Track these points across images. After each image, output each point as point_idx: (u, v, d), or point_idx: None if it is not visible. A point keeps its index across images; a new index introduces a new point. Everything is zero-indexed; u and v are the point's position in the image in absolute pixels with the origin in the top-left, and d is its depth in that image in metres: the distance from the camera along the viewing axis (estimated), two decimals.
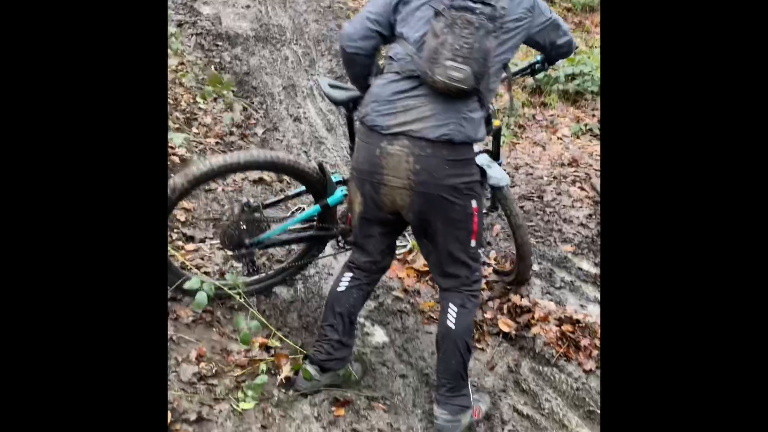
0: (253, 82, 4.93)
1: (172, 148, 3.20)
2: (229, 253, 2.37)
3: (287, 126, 4.39)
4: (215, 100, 4.33)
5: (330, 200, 2.35)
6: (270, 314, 2.47)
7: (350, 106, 2.23)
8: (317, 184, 2.33)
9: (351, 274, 2.12)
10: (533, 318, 2.49)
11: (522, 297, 2.63)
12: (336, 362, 2.09)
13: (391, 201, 1.90)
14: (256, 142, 4.15)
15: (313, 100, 4.83)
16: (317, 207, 2.37)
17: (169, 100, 4.08)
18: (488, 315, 2.57)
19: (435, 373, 2.12)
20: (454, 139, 1.79)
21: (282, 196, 2.52)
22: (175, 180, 2.08)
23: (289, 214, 2.60)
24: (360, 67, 1.97)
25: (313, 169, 2.31)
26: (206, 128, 4.04)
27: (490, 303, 2.64)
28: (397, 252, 2.44)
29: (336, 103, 2.27)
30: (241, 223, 2.24)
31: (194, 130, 3.99)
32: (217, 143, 3.86)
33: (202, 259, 2.70)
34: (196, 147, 3.60)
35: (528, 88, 5.17)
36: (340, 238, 2.48)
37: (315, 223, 2.43)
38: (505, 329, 2.45)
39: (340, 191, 2.35)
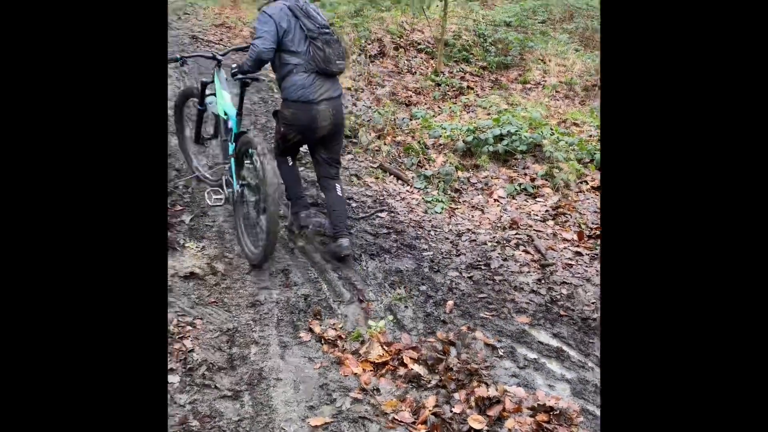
0: (176, 164, 4.66)
1: None
2: None
3: (217, 210, 4.13)
4: None
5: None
6: None
7: (248, 82, 3.42)
8: None
9: (291, 158, 3.72)
10: (504, 410, 2.34)
11: (489, 385, 2.48)
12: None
13: (321, 134, 3.47)
14: (183, 230, 3.86)
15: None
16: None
17: None
18: (456, 410, 2.39)
19: (330, 224, 3.62)
20: (341, 93, 3.53)
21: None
22: None
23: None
24: (264, 64, 3.33)
25: None
26: None
27: (456, 395, 2.47)
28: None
29: (246, 77, 3.35)
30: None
31: None
32: None
33: None
34: None
35: (459, 151, 5.19)
36: None
37: None
38: (477, 426, 2.27)
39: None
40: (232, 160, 3.53)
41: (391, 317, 3.13)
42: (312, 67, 3.29)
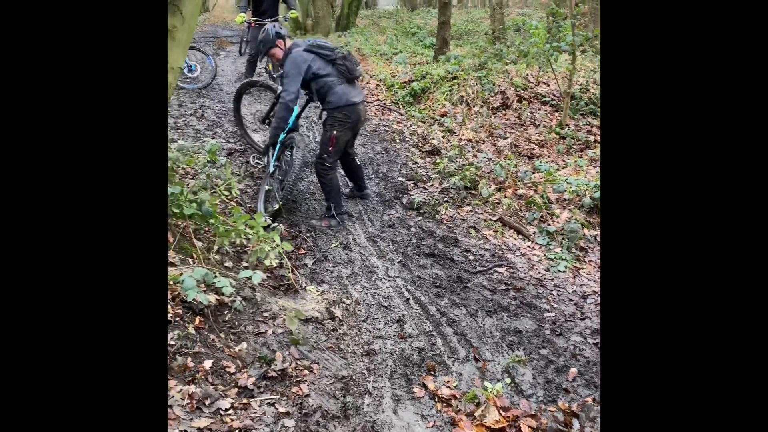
0: (302, 208, 4.88)
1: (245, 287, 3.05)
2: None
3: (337, 254, 4.25)
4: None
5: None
6: None
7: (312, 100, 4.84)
8: None
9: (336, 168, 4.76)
10: None
11: None
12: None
13: (360, 126, 4.67)
14: (305, 273, 4.00)
15: (362, 225, 4.73)
16: None
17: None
18: None
19: (356, 182, 5.10)
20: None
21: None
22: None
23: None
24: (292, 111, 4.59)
25: None
26: (256, 262, 3.93)
27: None
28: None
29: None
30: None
31: (244, 263, 3.89)
32: (268, 277, 3.72)
33: (252, 420, 2.45)
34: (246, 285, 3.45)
35: (585, 208, 4.96)
36: None
37: None
38: None
39: None
40: (278, 145, 4.69)
41: (508, 380, 2.98)
42: (343, 79, 4.41)
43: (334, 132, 4.44)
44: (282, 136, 4.65)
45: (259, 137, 6.05)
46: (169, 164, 3.43)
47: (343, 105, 4.38)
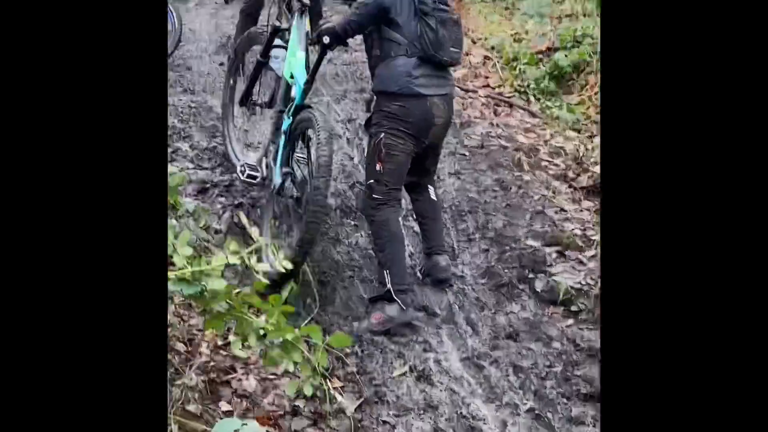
0: (339, 296, 3.14)
1: None
2: None
3: (403, 392, 2.61)
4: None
5: None
6: None
7: (332, 45, 3.14)
8: None
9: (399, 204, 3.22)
10: None
11: None
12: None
13: (433, 139, 3.09)
14: (341, 429, 2.50)
15: (453, 331, 3.05)
16: None
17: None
18: None
19: (422, 236, 3.16)
20: (452, 90, 3.23)
21: None
22: None
23: None
24: (384, 14, 2.99)
25: None
26: (248, 400, 2.25)
27: None
28: None
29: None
30: None
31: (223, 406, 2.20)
32: None
33: None
34: None
35: None
36: None
37: None
38: None
39: None
40: (283, 138, 3.06)
41: None
42: (417, 51, 2.80)
43: (381, 136, 2.81)
44: (286, 122, 3.03)
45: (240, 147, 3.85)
46: None
47: (396, 91, 2.79)
